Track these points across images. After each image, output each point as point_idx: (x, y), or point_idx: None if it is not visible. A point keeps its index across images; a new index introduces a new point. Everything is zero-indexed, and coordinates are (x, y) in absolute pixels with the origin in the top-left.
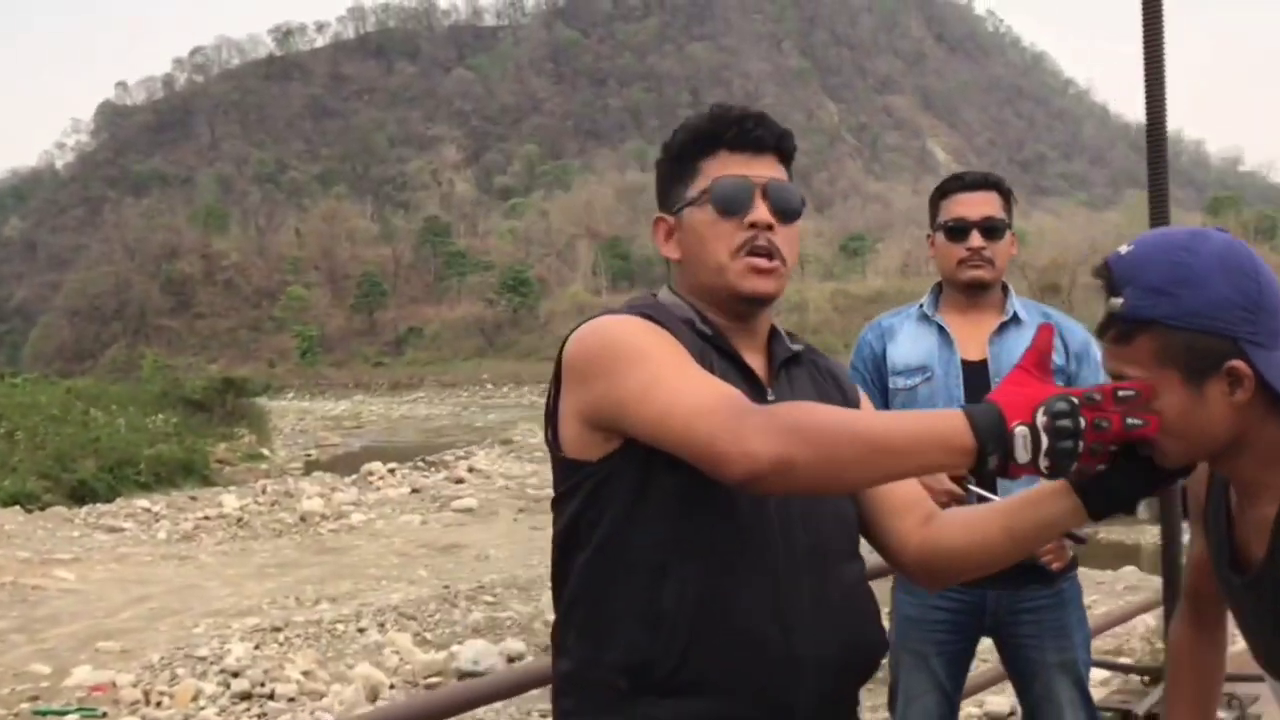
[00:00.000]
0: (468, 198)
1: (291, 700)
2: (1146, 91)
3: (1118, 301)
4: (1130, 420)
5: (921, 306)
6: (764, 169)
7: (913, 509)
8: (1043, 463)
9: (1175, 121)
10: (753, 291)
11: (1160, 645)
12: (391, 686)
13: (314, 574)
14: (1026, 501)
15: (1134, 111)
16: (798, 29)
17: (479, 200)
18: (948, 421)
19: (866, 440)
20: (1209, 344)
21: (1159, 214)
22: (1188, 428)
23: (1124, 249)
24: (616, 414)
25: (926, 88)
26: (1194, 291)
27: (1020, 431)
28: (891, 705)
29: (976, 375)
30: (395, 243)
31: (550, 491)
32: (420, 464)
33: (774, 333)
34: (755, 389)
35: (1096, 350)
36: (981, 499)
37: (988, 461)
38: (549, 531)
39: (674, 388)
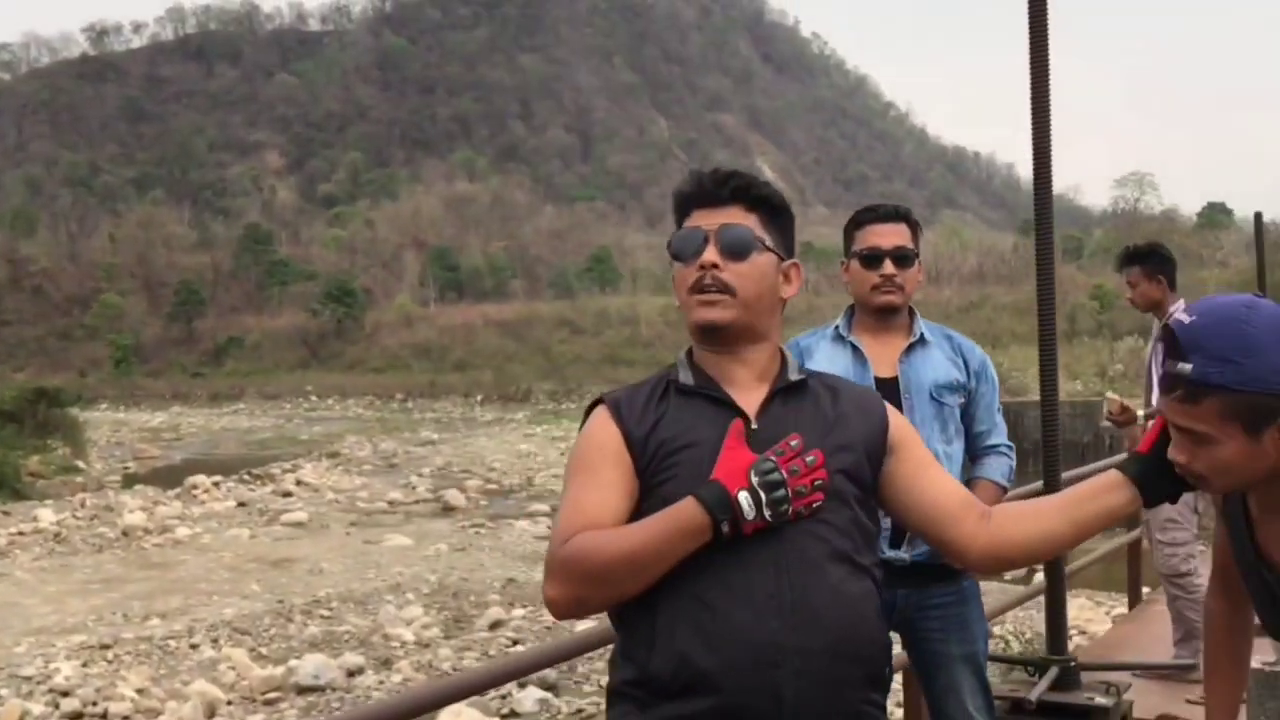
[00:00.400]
0: (290, 205)
1: (126, 719)
2: (1034, 139)
3: (1186, 367)
4: (809, 459)
5: (836, 328)
6: (724, 218)
7: (968, 512)
8: (766, 514)
9: (989, 146)
10: (702, 320)
11: (1030, 636)
12: (229, 703)
13: (141, 589)
14: (1090, 494)
15: (950, 134)
16: (628, 44)
17: (302, 208)
18: (685, 511)
19: (625, 557)
20: (1268, 403)
21: (1044, 259)
22: (1244, 469)
23: (1186, 317)
24: None
25: (754, 106)
26: (1256, 360)
27: (743, 497)
28: None
29: (888, 391)
30: (215, 250)
31: (380, 504)
32: (246, 477)
33: (783, 367)
34: (732, 415)
35: (992, 368)
36: None
37: (723, 530)
38: (382, 545)
39: (556, 523)
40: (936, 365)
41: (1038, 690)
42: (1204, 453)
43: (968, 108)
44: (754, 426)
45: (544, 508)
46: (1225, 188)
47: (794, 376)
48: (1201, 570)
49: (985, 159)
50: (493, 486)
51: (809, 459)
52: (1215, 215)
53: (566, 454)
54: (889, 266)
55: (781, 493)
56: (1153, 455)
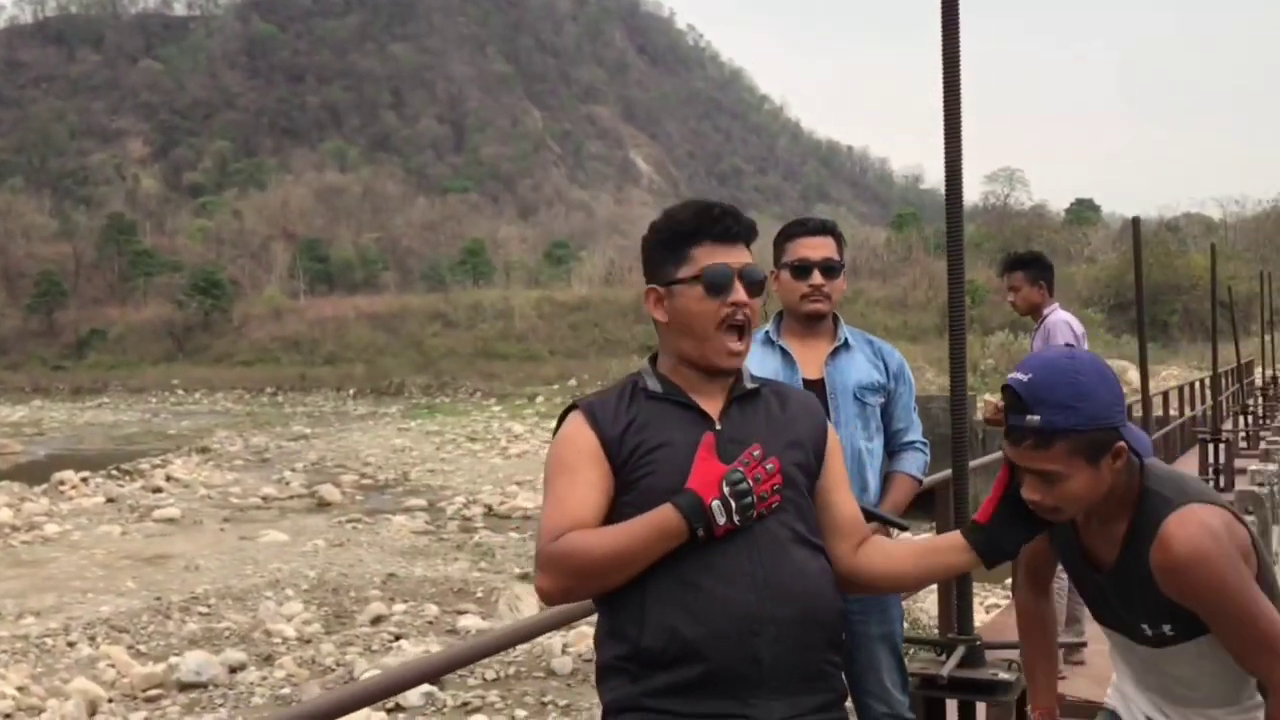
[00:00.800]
0: (155, 195)
1: (8, 717)
2: (946, 150)
3: (1035, 419)
4: (769, 466)
5: (766, 332)
6: (739, 256)
7: (851, 533)
8: (736, 519)
9: (863, 140)
10: (728, 367)
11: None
12: (110, 700)
13: (12, 587)
14: (936, 549)
15: (823, 129)
16: (502, 34)
17: (167, 197)
18: (665, 517)
19: (612, 556)
20: (1103, 436)
21: (955, 263)
22: (1090, 496)
23: (1023, 375)
24: None
25: (629, 98)
26: (1089, 403)
27: (716, 505)
28: None
29: (815, 392)
30: (76, 240)
31: (253, 500)
32: (114, 473)
33: (740, 378)
34: (701, 421)
35: (909, 370)
36: (885, 521)
37: (698, 534)
38: (259, 541)
39: (541, 522)
40: (859, 368)
41: (948, 667)
42: (1056, 489)
43: (841, 102)
44: (718, 428)
45: (421, 503)
46: (1092, 184)
47: (749, 385)
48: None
49: (859, 153)
50: (368, 481)
51: (769, 466)
52: (1083, 211)
53: (442, 448)
54: (817, 277)
55: (749, 500)
56: (991, 525)
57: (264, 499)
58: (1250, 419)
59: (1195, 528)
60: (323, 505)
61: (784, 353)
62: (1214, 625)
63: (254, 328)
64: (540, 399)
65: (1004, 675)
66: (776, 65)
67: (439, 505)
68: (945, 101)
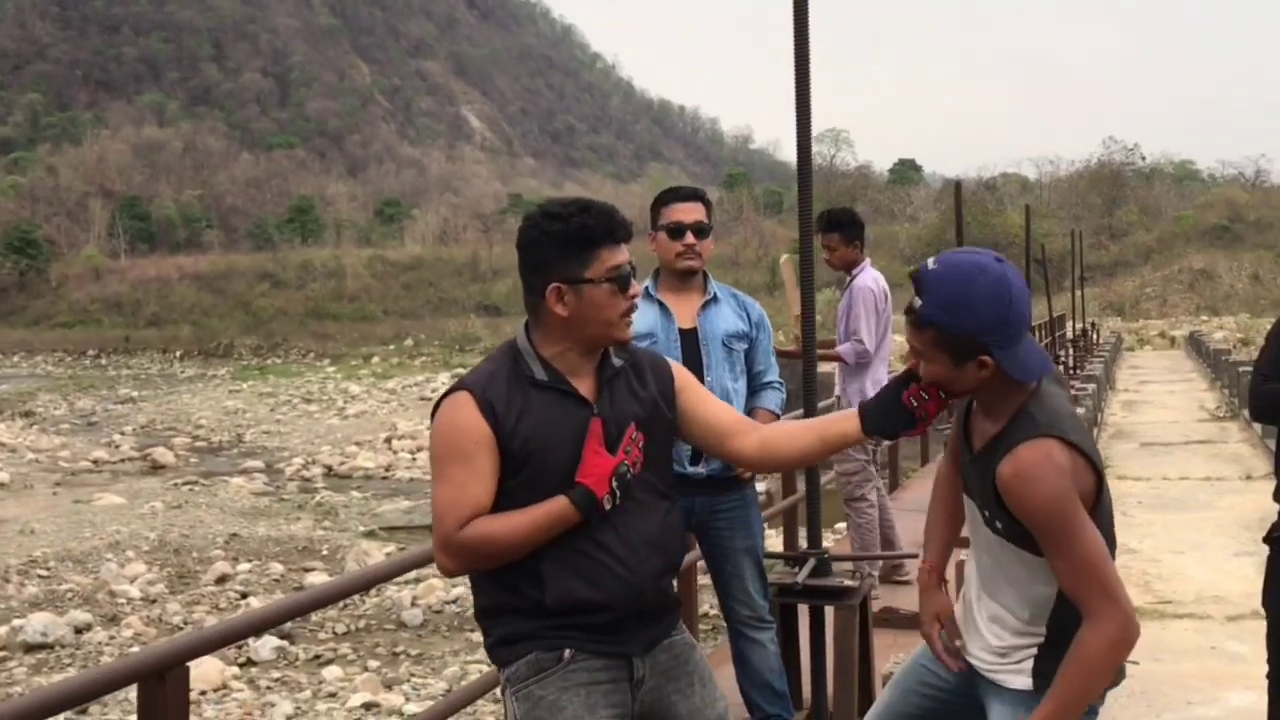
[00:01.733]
0: None
1: None
2: (798, 120)
3: (919, 303)
4: (636, 438)
5: (646, 288)
6: (626, 254)
7: (741, 429)
8: (618, 501)
9: (694, 99)
10: (628, 338)
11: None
12: None
13: None
14: (834, 421)
15: (656, 88)
16: None
17: None
18: (561, 507)
19: (516, 543)
20: (969, 345)
21: (805, 224)
22: (952, 384)
23: (933, 264)
24: None
25: (460, 54)
26: (967, 314)
27: (606, 498)
28: None
29: (689, 339)
30: None
31: (84, 464)
32: None
33: (606, 356)
34: (582, 407)
35: (768, 320)
36: None
37: (590, 521)
38: (94, 504)
39: (434, 500)
40: (726, 318)
41: (801, 576)
42: (924, 366)
43: (672, 62)
44: (597, 412)
45: (259, 464)
46: (915, 145)
47: (616, 363)
48: (871, 497)
49: (690, 113)
50: (202, 444)
51: (638, 440)
52: (906, 172)
53: (276, 409)
54: (690, 238)
55: (628, 479)
56: (878, 406)
57: (95, 463)
58: (1062, 369)
59: (1041, 456)
60: (156, 468)
61: (661, 306)
62: (1042, 545)
63: (73, 288)
64: (376, 359)
65: (848, 583)
66: (607, 23)
67: (277, 466)
68: (797, 85)
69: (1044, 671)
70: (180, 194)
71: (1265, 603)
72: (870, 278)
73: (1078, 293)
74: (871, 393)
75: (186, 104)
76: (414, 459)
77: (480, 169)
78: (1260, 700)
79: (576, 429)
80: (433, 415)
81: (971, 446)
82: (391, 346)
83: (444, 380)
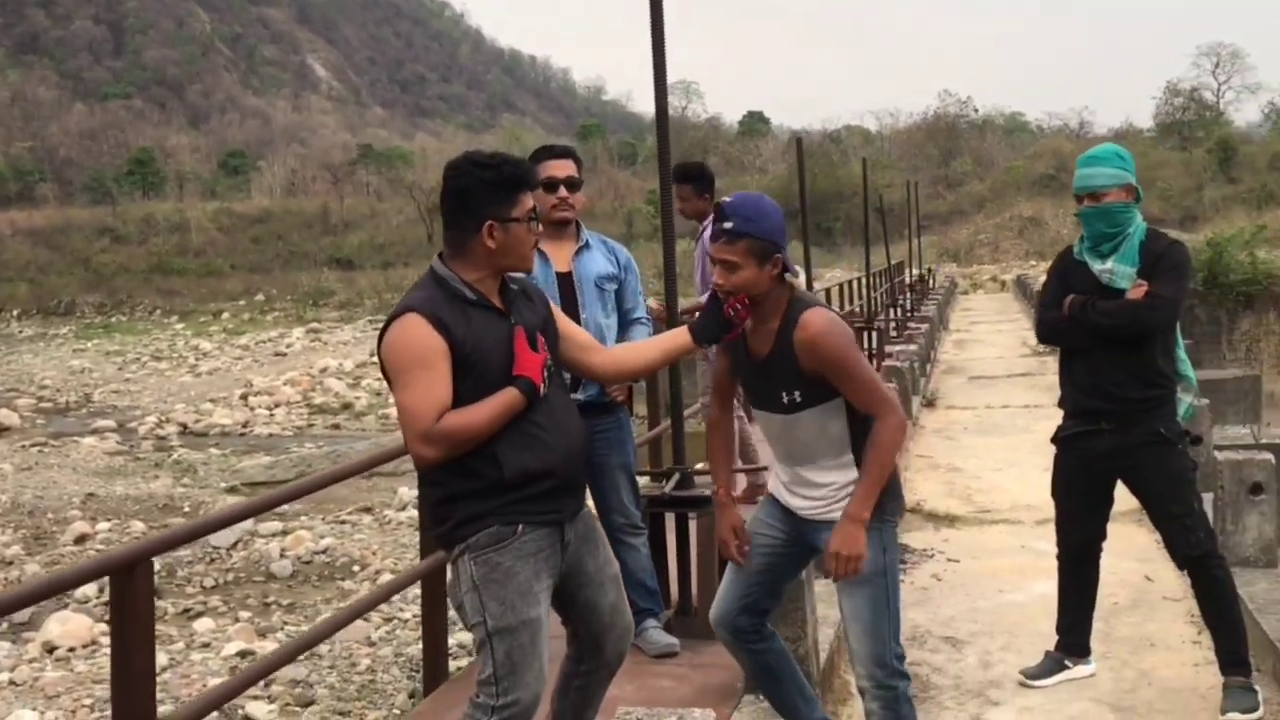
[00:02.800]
0: None
1: None
2: (655, 79)
3: (730, 224)
4: (546, 351)
5: None
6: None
7: (596, 346)
8: (545, 389)
9: (545, 49)
10: (532, 268)
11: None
12: None
13: None
14: (669, 337)
15: (506, 37)
16: None
17: None
18: (513, 397)
19: (482, 429)
20: (768, 246)
21: (665, 183)
22: (753, 287)
23: (730, 199)
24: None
25: (303, 1)
26: (765, 221)
27: (542, 385)
28: None
29: (565, 282)
30: None
31: None
32: None
33: (504, 281)
34: (502, 319)
35: (635, 263)
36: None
37: (533, 403)
38: None
39: (404, 404)
40: (598, 262)
41: (667, 488)
42: (733, 276)
43: (523, 11)
44: (514, 321)
45: (110, 423)
46: (763, 97)
47: (513, 287)
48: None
49: (541, 63)
50: (48, 404)
51: (545, 343)
52: (755, 124)
53: (125, 368)
54: (563, 191)
55: (551, 371)
56: (703, 318)
57: None
58: (899, 311)
59: (823, 315)
60: (1, 431)
61: (540, 252)
62: (838, 381)
63: None
64: (226, 315)
65: (708, 493)
66: None
67: (130, 425)
68: (653, 40)
69: None
70: (9, 146)
71: (1053, 493)
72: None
73: (915, 241)
74: None
75: (13, 52)
76: (271, 415)
77: (328, 119)
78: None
79: (503, 336)
80: (381, 338)
81: (755, 355)
82: (242, 302)
83: (298, 335)
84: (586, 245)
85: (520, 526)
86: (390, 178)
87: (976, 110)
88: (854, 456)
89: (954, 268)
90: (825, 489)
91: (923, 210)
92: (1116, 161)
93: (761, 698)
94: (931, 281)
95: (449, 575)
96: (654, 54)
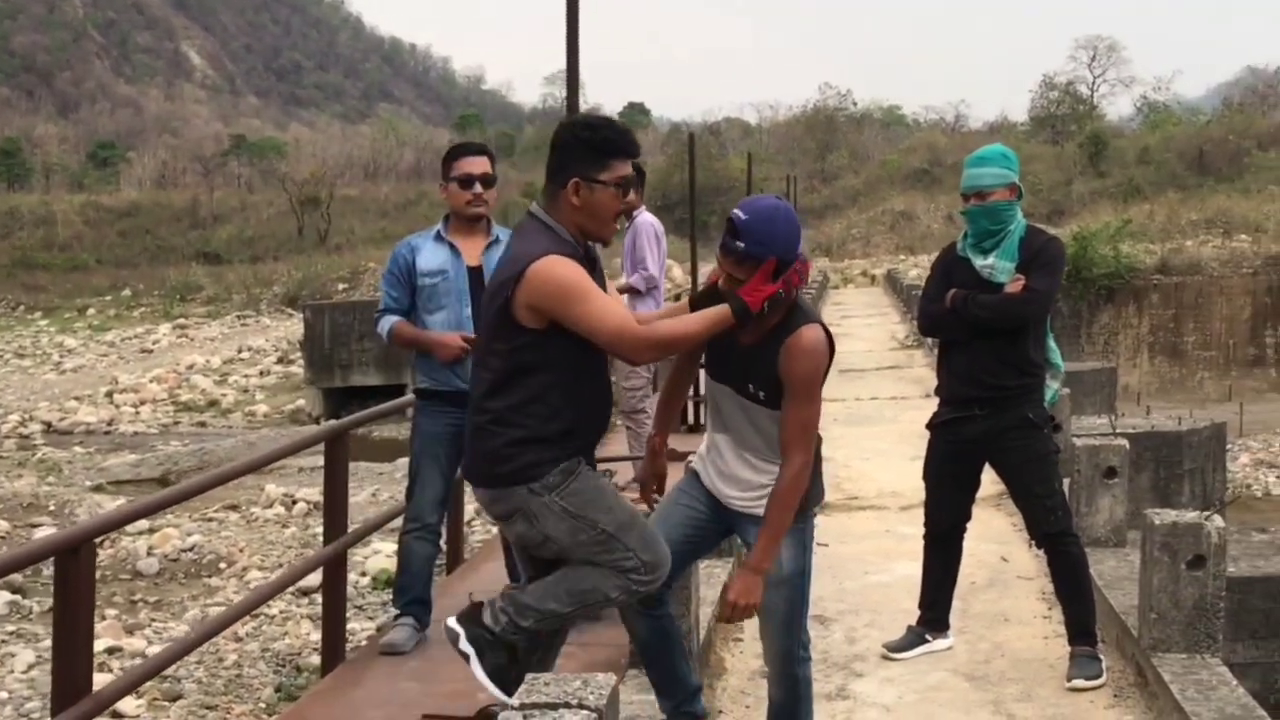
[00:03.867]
0: None
1: None
2: (568, 63)
3: (741, 245)
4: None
5: (438, 231)
6: (631, 169)
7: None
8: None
9: (425, 37)
10: (610, 239)
11: None
12: None
13: None
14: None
15: (386, 25)
16: None
17: None
18: (724, 314)
19: (689, 337)
20: (779, 267)
21: None
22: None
23: (741, 214)
24: (568, 322)
25: None
26: (775, 245)
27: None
28: (410, 493)
29: (475, 276)
30: None
31: None
32: None
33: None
34: (594, 272)
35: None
36: None
37: (742, 324)
38: None
39: (602, 316)
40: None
41: None
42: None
43: None
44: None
45: None
46: (643, 88)
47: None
48: (649, 410)
49: (421, 51)
50: None
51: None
52: (635, 115)
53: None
54: (478, 188)
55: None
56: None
57: None
58: None
59: (818, 335)
60: None
61: (451, 247)
62: (788, 397)
63: None
64: (92, 311)
65: (608, 468)
66: None
67: None
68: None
69: None
70: None
71: (924, 475)
72: (648, 218)
73: None
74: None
75: None
76: (137, 412)
77: (201, 109)
78: (920, 568)
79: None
80: (520, 279)
81: (739, 342)
82: (108, 297)
83: (165, 331)
84: (496, 240)
85: (581, 460)
86: (263, 169)
87: (855, 104)
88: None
89: (826, 262)
90: (756, 490)
91: (799, 204)
92: (1003, 162)
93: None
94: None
95: (521, 525)
96: (568, 50)
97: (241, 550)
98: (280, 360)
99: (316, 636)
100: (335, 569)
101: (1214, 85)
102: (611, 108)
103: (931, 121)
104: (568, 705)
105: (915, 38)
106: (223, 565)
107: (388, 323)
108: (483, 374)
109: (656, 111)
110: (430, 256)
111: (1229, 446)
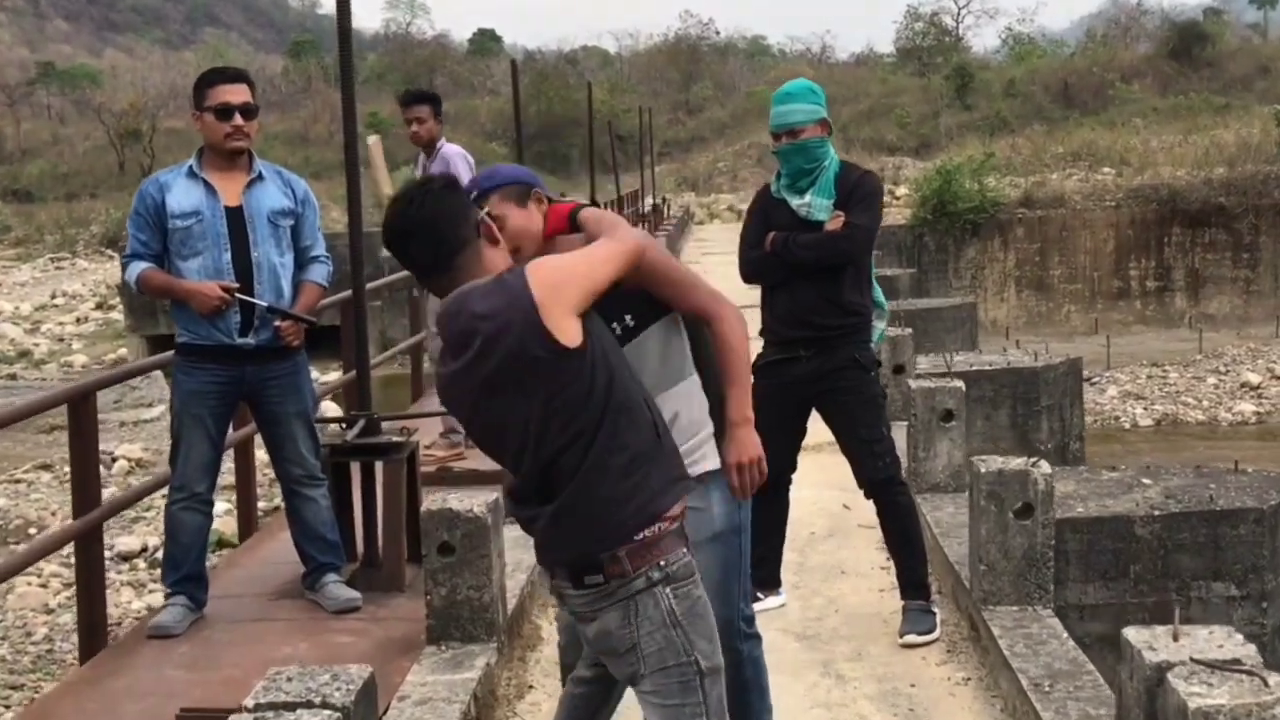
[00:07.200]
0: None
1: None
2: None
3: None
4: None
5: (190, 166)
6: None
7: None
8: None
9: None
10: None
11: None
12: None
13: None
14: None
15: None
16: None
17: None
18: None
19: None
20: (518, 189)
21: (349, 104)
22: (525, 235)
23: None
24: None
25: None
26: (500, 174)
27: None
28: (174, 458)
29: (235, 217)
30: None
31: None
32: None
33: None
34: None
35: (314, 196)
36: (298, 319)
37: None
38: None
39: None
40: (272, 196)
41: (350, 435)
42: (503, 233)
43: None
44: None
45: None
46: (494, 13)
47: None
48: None
49: None
50: None
51: None
52: (486, 43)
53: None
54: (238, 119)
55: None
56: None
57: None
58: None
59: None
60: None
61: (206, 184)
62: (658, 289)
63: None
64: None
65: (396, 439)
66: None
67: None
68: None
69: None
70: None
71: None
72: (457, 149)
73: (651, 169)
74: None
75: None
76: None
77: (3, 33)
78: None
79: None
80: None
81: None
82: None
83: None
84: (259, 177)
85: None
86: (76, 100)
87: (719, 33)
88: (716, 419)
89: (692, 197)
90: (687, 447)
91: (663, 137)
92: (811, 97)
93: (444, 648)
94: (666, 211)
95: (617, 617)
96: None
97: (54, 514)
98: (99, 306)
99: (138, 605)
100: (88, 546)
101: (1078, 17)
102: (460, 34)
103: (797, 53)
104: (309, 705)
105: None
106: (32, 530)
107: (136, 269)
108: None
109: (509, 39)
110: (182, 196)
111: (1096, 379)
